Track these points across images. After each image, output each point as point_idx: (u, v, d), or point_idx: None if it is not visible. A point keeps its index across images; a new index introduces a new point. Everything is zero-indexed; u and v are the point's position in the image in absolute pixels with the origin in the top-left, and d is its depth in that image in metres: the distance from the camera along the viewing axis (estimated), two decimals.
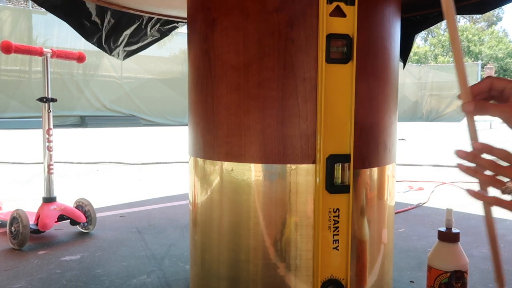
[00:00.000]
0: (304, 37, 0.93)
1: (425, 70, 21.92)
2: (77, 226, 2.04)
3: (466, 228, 2.12)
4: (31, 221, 1.86)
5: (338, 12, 0.90)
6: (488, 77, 0.72)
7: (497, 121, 14.37)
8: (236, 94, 0.98)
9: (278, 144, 0.95)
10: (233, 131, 0.98)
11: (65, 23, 1.85)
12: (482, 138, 0.68)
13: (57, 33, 13.42)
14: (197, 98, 1.08)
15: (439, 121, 19.70)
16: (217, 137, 1.01)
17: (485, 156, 0.69)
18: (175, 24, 2.01)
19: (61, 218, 1.91)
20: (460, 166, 0.71)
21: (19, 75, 13.35)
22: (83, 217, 1.96)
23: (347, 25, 0.90)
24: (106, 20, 1.87)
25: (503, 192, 0.88)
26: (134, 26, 1.94)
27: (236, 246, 1.00)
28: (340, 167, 0.92)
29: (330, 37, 0.90)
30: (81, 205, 2.04)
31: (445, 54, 33.42)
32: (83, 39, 1.94)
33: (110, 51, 2.03)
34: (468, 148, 0.71)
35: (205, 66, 1.03)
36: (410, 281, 1.44)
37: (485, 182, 0.71)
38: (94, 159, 5.15)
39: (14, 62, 13.10)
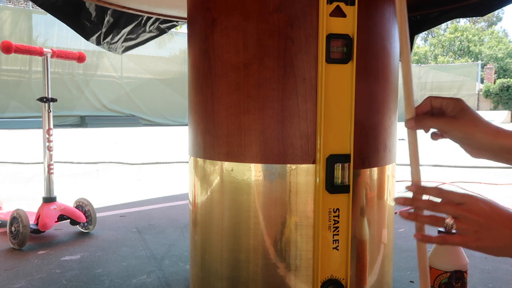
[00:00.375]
0: (304, 37, 0.93)
1: (425, 70, 21.94)
2: (77, 226, 2.04)
3: None
4: (31, 221, 1.86)
5: (338, 12, 0.90)
6: (428, 97, 0.81)
7: (497, 121, 14.33)
8: (236, 94, 0.98)
9: (278, 144, 0.95)
10: (233, 131, 0.98)
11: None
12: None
13: (57, 33, 13.42)
14: (197, 98, 1.08)
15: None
16: (217, 137, 1.01)
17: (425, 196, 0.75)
18: (174, 23, 2.01)
19: (61, 218, 1.91)
20: (401, 214, 0.76)
21: (19, 75, 13.35)
22: (83, 217, 1.96)
23: (347, 25, 0.90)
24: (106, 20, 1.87)
25: (446, 229, 0.93)
26: (133, 24, 1.94)
27: (236, 246, 1.00)
28: (340, 167, 0.92)
29: (330, 37, 0.90)
30: (81, 205, 2.04)
31: (445, 54, 33.42)
32: (83, 39, 1.94)
33: (108, 48, 2.04)
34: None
35: (205, 66, 1.03)
36: (410, 281, 1.44)
37: (427, 223, 0.75)
38: (94, 159, 5.15)
39: (14, 62, 13.10)
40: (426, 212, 0.75)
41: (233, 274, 1.01)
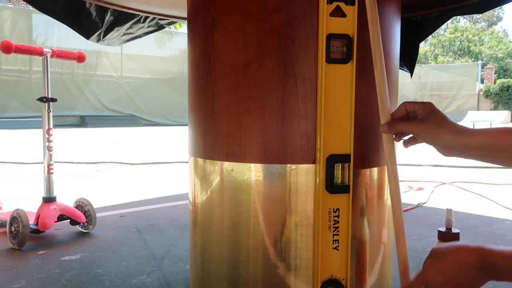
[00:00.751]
0: (304, 37, 0.93)
1: (425, 70, 21.93)
2: (77, 226, 2.04)
3: (466, 228, 2.12)
4: (31, 221, 1.86)
5: (338, 12, 0.90)
6: (403, 102, 0.88)
7: (497, 121, 14.34)
8: (236, 94, 0.97)
9: (278, 144, 0.95)
10: (233, 131, 0.98)
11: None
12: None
13: (57, 33, 13.43)
14: (197, 98, 1.08)
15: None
16: (217, 137, 1.01)
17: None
18: (173, 19, 2.01)
19: (61, 218, 1.91)
20: None
21: (19, 75, 13.35)
22: (83, 217, 1.96)
23: (347, 25, 0.90)
24: (106, 19, 1.87)
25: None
26: (133, 21, 1.93)
27: (236, 246, 1.00)
28: (340, 167, 0.92)
29: (330, 37, 0.90)
30: (81, 205, 2.04)
31: (445, 54, 33.42)
32: (83, 39, 1.94)
33: (107, 43, 2.04)
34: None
35: (205, 66, 1.03)
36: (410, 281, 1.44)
37: None
38: (94, 159, 5.15)
39: (14, 62, 13.10)
40: None
41: (233, 274, 1.01)
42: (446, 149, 0.81)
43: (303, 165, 0.94)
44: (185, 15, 1.18)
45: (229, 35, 0.98)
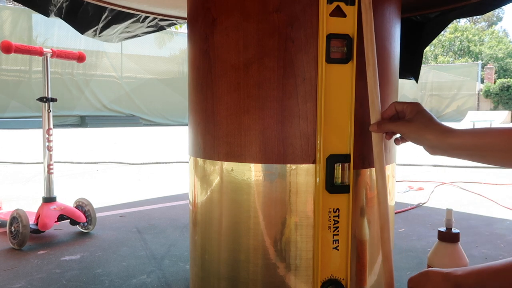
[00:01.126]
0: (304, 37, 0.93)
1: (425, 70, 21.91)
2: (77, 226, 2.04)
3: (466, 228, 2.12)
4: (31, 221, 1.86)
5: (338, 12, 0.90)
6: (393, 102, 0.90)
7: (497, 121, 14.34)
8: (236, 94, 0.98)
9: (278, 144, 0.95)
10: (233, 131, 0.98)
11: (65, 23, 1.85)
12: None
13: (57, 33, 13.43)
14: (197, 98, 1.08)
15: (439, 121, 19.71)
16: (217, 137, 1.01)
17: None
18: (174, 21, 2.01)
19: (61, 218, 1.91)
20: None
21: (19, 75, 13.36)
22: (83, 217, 1.96)
23: (347, 25, 0.90)
24: (104, 16, 1.86)
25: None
26: (131, 20, 1.93)
27: (236, 246, 1.00)
28: (340, 167, 0.92)
29: (330, 37, 0.90)
30: (81, 205, 2.04)
31: (445, 54, 33.42)
32: (83, 39, 1.95)
33: (105, 40, 2.03)
34: None
35: (205, 66, 1.03)
36: None
37: None
38: (94, 159, 5.15)
39: (14, 62, 13.11)
40: None
41: (233, 274, 1.01)
42: (432, 149, 0.83)
43: (303, 165, 0.94)
44: (185, 15, 1.18)
45: (229, 35, 0.98)
